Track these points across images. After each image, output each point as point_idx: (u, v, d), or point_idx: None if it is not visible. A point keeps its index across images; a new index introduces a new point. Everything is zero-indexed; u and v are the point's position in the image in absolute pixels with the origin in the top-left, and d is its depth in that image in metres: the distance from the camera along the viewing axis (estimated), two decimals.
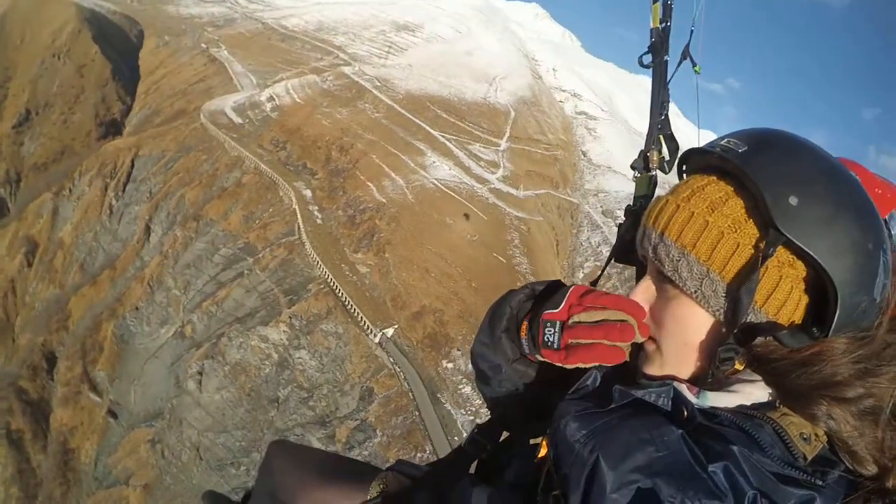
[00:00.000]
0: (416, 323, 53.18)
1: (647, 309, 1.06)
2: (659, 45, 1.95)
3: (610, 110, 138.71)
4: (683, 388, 0.97)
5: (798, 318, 0.94)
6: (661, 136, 1.93)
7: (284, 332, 53.77)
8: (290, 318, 54.18)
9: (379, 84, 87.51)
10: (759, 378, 0.96)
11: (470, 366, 1.36)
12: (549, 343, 1.11)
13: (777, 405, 0.92)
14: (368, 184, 66.98)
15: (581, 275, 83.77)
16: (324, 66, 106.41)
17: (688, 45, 2.04)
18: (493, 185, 71.73)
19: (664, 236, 1.01)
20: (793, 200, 0.88)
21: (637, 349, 1.11)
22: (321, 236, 61.04)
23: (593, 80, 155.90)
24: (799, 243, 0.88)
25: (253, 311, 56.60)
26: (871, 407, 0.86)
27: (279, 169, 71.47)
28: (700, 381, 0.99)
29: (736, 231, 0.94)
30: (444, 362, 51.49)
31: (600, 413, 0.98)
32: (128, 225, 74.10)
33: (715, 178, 1.02)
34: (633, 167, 1.92)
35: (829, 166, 0.95)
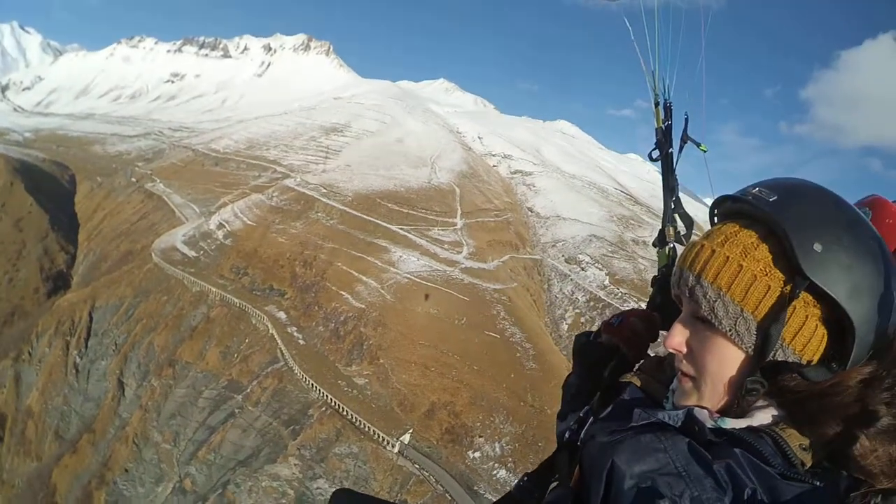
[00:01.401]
0: (430, 422, 52.22)
1: (683, 348, 1.21)
2: (663, 140, 2.37)
3: (541, 162, 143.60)
4: (702, 413, 1.12)
5: (819, 354, 1.09)
6: (675, 214, 2.24)
7: (296, 464, 51.67)
8: (298, 449, 52.25)
9: (325, 191, 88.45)
10: (771, 404, 1.10)
11: (499, 448, 1.65)
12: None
13: (780, 424, 1.06)
14: (342, 293, 66.61)
15: (565, 326, 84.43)
16: (264, 184, 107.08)
17: (685, 131, 2.38)
18: (463, 265, 72.58)
19: (701, 279, 1.16)
20: (817, 247, 1.03)
21: (663, 388, 1.36)
22: (308, 357, 59.81)
23: (516, 137, 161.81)
24: (823, 287, 1.03)
25: (256, 451, 54.25)
26: (885, 427, 0.97)
27: (246, 296, 70.35)
28: (727, 411, 1.14)
29: (767, 275, 1.09)
30: (469, 453, 50.57)
31: (620, 431, 1.15)
32: (98, 382, 70.70)
33: (746, 224, 1.17)
34: (654, 245, 2.23)
35: (850, 217, 1.11)
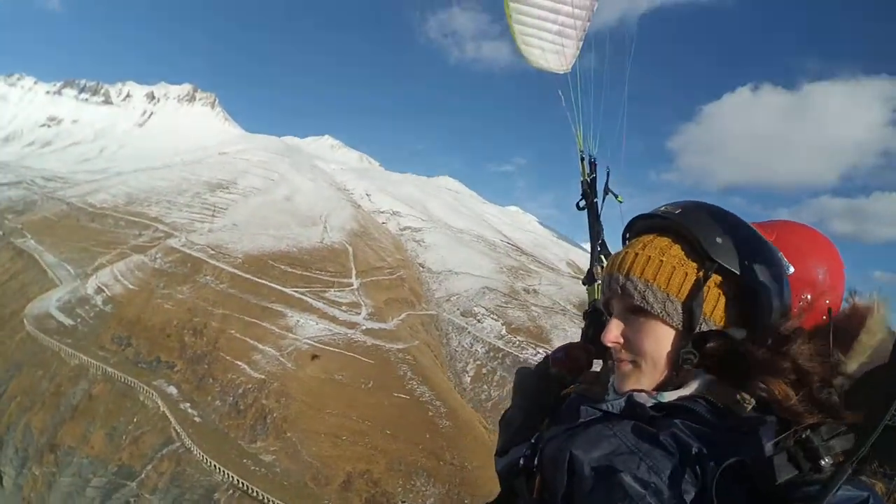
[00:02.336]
0: (349, 493, 49.45)
1: (620, 339, 1.39)
2: (588, 191, 2.83)
3: (429, 218, 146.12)
4: (640, 395, 1.31)
5: (735, 322, 1.31)
6: (601, 256, 2.59)
7: None
8: None
9: (213, 252, 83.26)
10: (701, 374, 1.28)
11: None
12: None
13: (711, 387, 1.26)
14: (238, 363, 62.30)
15: (467, 379, 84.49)
16: (145, 243, 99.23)
17: (606, 184, 2.81)
18: (364, 327, 70.75)
19: (630, 275, 1.37)
20: (719, 240, 1.31)
21: (607, 375, 1.52)
22: (207, 435, 54.82)
23: (403, 194, 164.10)
24: (729, 266, 1.29)
25: None
26: (797, 371, 1.17)
27: (131, 370, 63.82)
28: (668, 385, 1.32)
29: (683, 265, 1.33)
30: None
31: (571, 428, 1.34)
32: None
33: (658, 234, 1.42)
34: (583, 283, 2.52)
35: (737, 218, 1.40)
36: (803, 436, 1.06)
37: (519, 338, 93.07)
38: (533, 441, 1.47)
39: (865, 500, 0.98)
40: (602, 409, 1.35)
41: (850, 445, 1.02)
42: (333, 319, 71.32)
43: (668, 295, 1.33)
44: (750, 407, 1.19)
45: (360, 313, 75.01)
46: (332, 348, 64.96)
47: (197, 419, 57.24)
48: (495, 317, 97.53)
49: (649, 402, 1.29)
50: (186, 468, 51.82)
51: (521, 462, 1.46)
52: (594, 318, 1.99)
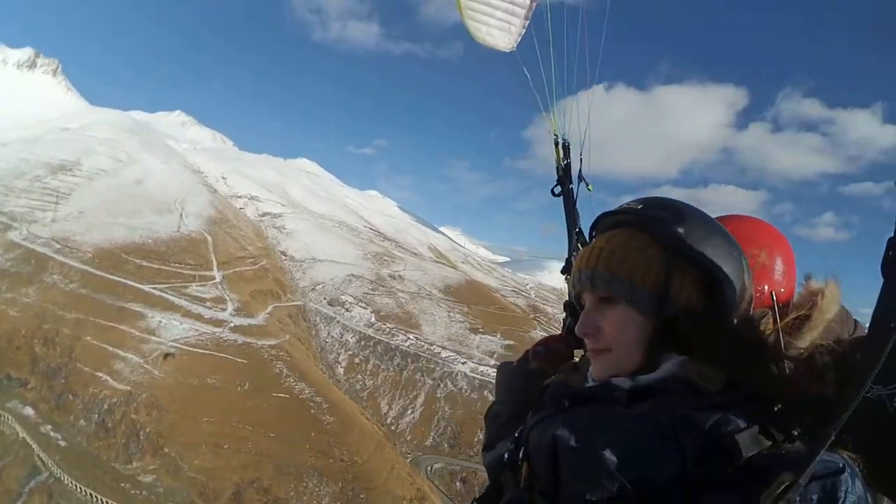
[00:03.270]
0: None
1: (592, 330, 1.44)
2: (563, 177, 2.86)
3: (289, 203, 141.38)
4: (618, 379, 1.37)
5: (699, 305, 1.37)
6: (579, 244, 2.66)
7: None
8: None
9: (59, 246, 73.96)
10: (675, 357, 1.33)
11: None
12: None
13: (683, 367, 1.30)
14: (98, 374, 56.89)
15: (340, 370, 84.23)
16: None
17: (580, 171, 2.84)
18: (232, 324, 67.44)
19: (597, 269, 1.42)
20: (680, 230, 1.37)
21: (586, 365, 1.60)
22: (76, 461, 49.99)
23: (261, 177, 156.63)
24: (690, 252, 1.35)
25: None
26: (756, 348, 1.28)
27: None
28: (643, 369, 1.36)
29: (646, 254, 1.39)
30: None
31: (553, 414, 1.40)
32: None
33: (622, 228, 1.49)
34: (562, 272, 2.54)
35: (697, 210, 1.49)
36: (775, 409, 1.15)
37: (389, 324, 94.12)
38: (517, 435, 1.53)
39: (841, 468, 1.03)
40: (581, 395, 1.41)
41: (823, 416, 1.05)
42: (199, 318, 67.13)
43: (633, 283, 1.37)
44: (721, 384, 1.22)
45: (225, 309, 71.28)
46: (200, 350, 61.37)
47: (62, 443, 51.85)
48: (363, 304, 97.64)
49: (626, 385, 1.33)
50: (60, 501, 47.05)
51: (506, 456, 1.53)
52: (574, 310, 2.01)
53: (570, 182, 2.80)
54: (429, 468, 69.00)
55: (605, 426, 1.22)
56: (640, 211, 1.46)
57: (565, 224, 2.74)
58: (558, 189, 2.80)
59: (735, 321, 1.35)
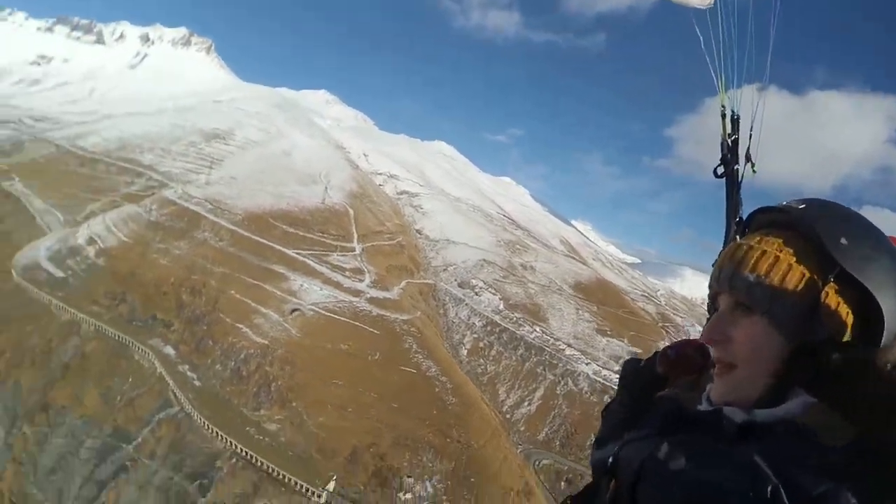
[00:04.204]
0: (355, 467, 48.50)
1: (720, 336, 1.27)
2: (728, 156, 2.33)
3: (426, 183, 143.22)
4: (731, 409, 1.20)
5: (849, 336, 1.16)
6: (737, 236, 1.94)
7: None
8: None
9: (212, 207, 79.75)
10: (803, 395, 1.13)
11: (430, 487, 1.62)
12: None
13: (811, 410, 1.10)
14: (239, 326, 60.02)
15: (464, 351, 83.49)
16: (138, 192, 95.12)
17: (748, 149, 2.32)
18: (368, 295, 68.63)
19: (740, 269, 1.26)
20: (844, 241, 1.16)
21: (706, 380, 1.41)
22: (208, 401, 52.88)
23: (400, 156, 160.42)
24: (852, 272, 1.14)
25: None
26: None
27: (125, 327, 61.29)
28: (763, 398, 1.19)
29: (801, 263, 1.20)
30: (400, 496, 47.88)
31: (651, 437, 1.25)
32: None
33: (779, 229, 1.30)
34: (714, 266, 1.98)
35: (866, 221, 1.26)
36: None
37: (516, 314, 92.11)
38: (623, 441, 1.39)
39: None
40: (686, 419, 1.28)
41: None
42: (338, 286, 69.07)
43: (777, 293, 1.21)
44: (847, 441, 1.01)
45: (363, 280, 72.87)
46: (337, 316, 62.93)
47: (197, 383, 55.17)
48: (493, 291, 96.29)
49: (738, 418, 1.18)
50: (187, 434, 50.04)
51: (610, 461, 1.40)
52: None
53: (736, 161, 2.32)
54: (537, 463, 66.74)
55: (696, 466, 1.09)
56: (802, 212, 1.28)
57: (725, 211, 2.26)
58: (721, 169, 2.33)
59: (889, 366, 1.08)
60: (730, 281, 1.28)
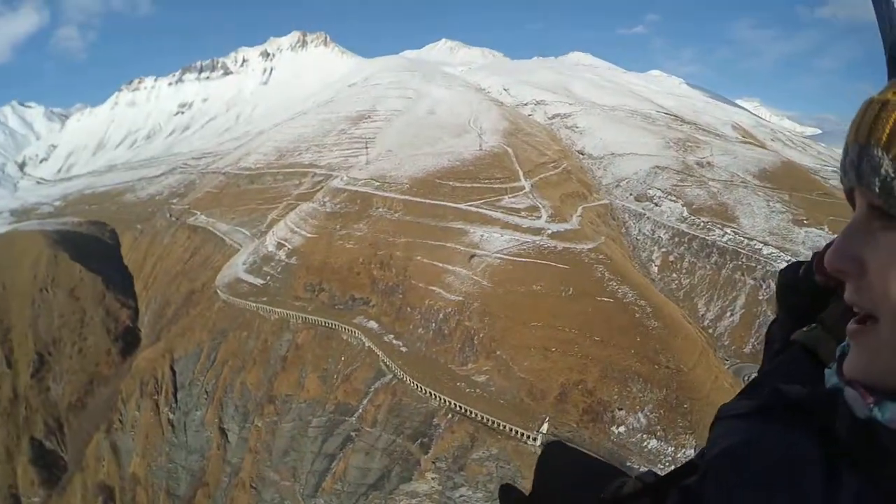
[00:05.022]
0: (565, 405, 49.11)
1: (850, 266, 0.85)
2: None
3: (575, 101, 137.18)
4: (855, 397, 0.81)
5: None
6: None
7: (433, 478, 49.21)
8: (433, 462, 49.61)
9: (378, 184, 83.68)
10: None
11: (643, 418, 1.47)
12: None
13: None
14: (432, 288, 62.81)
15: (654, 269, 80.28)
16: (308, 190, 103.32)
17: None
18: (549, 231, 68.01)
19: (869, 147, 0.79)
20: None
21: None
22: (416, 364, 56.56)
23: (541, 80, 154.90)
24: None
25: (385, 472, 51.61)
26: None
27: (329, 313, 67.30)
28: None
29: None
30: (614, 429, 47.74)
31: (744, 416, 0.93)
32: (197, 433, 69.07)
33: None
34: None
35: None
36: None
37: (703, 218, 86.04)
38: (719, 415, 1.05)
39: None
40: (796, 405, 0.88)
41: None
42: (517, 228, 69.29)
43: None
44: None
45: (540, 217, 72.28)
46: (524, 259, 63.32)
47: (403, 349, 59.07)
48: (673, 198, 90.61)
49: (860, 412, 0.79)
50: (402, 398, 54.02)
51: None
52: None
53: None
54: (746, 378, 62.71)
55: (767, 493, 0.77)
56: None
57: (881, 43, 1.42)
58: None
59: None
60: (857, 169, 0.80)
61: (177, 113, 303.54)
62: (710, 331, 70.20)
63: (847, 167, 0.84)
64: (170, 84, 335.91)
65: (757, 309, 72.10)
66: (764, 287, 74.37)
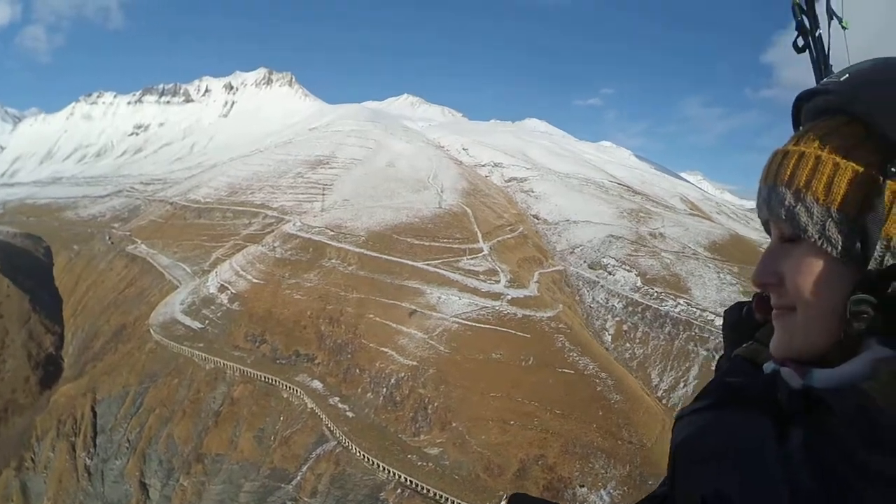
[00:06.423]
0: (524, 481, 46.48)
1: (772, 279, 1.02)
2: (803, 21, 1.74)
3: (532, 166, 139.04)
4: (789, 371, 0.98)
5: None
6: None
7: None
8: None
9: (333, 233, 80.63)
10: (874, 347, 0.85)
11: (606, 496, 1.58)
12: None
13: (879, 371, 0.80)
14: (384, 350, 59.77)
15: (608, 338, 79.32)
16: (257, 231, 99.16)
17: (829, 3, 1.71)
18: (509, 296, 66.31)
19: (776, 186, 0.98)
20: None
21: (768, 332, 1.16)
22: (363, 431, 52.93)
23: (499, 143, 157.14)
24: None
25: None
26: None
27: (270, 367, 62.96)
28: (832, 351, 0.92)
29: (851, 158, 0.89)
30: None
31: (700, 411, 1.08)
32: (115, 485, 62.17)
33: (823, 119, 1.00)
34: None
35: None
36: None
37: (656, 288, 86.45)
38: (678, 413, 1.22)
39: None
40: (736, 389, 1.06)
41: None
42: (476, 292, 67.29)
43: (828, 209, 0.90)
44: None
45: (499, 281, 70.70)
46: (483, 325, 61.13)
47: (349, 414, 55.41)
48: (627, 267, 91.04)
49: (795, 383, 0.95)
50: (346, 468, 50.25)
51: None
52: None
53: (817, 26, 1.67)
54: None
55: (725, 461, 0.90)
56: (845, 86, 0.95)
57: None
58: (801, 41, 1.68)
59: None
60: (768, 204, 1.00)
61: (131, 133, 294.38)
62: (665, 401, 69.19)
63: (761, 204, 1.03)
64: (129, 103, 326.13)
65: (710, 379, 71.66)
66: (716, 357, 74.01)
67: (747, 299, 1.45)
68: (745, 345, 1.29)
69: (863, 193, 0.85)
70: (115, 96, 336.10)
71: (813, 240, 0.91)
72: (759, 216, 1.09)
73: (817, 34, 1.69)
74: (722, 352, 1.50)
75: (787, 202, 0.94)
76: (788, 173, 0.95)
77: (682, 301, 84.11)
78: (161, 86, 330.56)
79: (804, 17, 1.70)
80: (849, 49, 1.70)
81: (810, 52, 1.71)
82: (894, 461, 0.67)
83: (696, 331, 77.65)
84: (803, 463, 0.75)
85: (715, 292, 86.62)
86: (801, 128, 1.04)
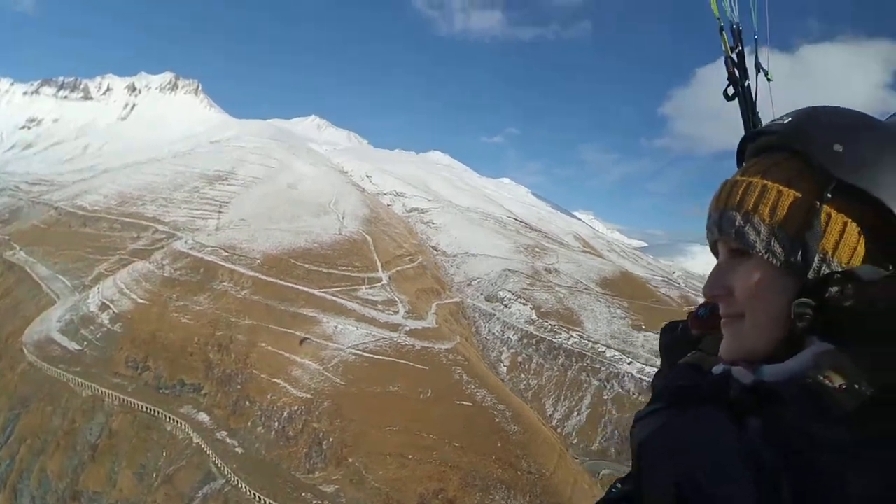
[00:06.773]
0: None
1: (721, 291, 1.15)
2: (735, 73, 1.98)
3: (434, 197, 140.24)
4: (739, 370, 1.09)
5: (867, 259, 1.00)
6: None
7: None
8: None
9: (227, 254, 75.94)
10: (816, 343, 0.97)
11: None
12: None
13: (826, 362, 0.90)
14: (276, 381, 56.70)
15: (503, 369, 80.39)
16: (145, 246, 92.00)
17: (756, 57, 2.01)
18: (407, 328, 65.24)
19: (726, 210, 1.12)
20: (838, 147, 0.99)
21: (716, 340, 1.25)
22: (254, 469, 49.53)
23: (403, 173, 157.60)
24: (853, 182, 0.97)
25: None
26: None
27: (153, 397, 57.88)
28: (778, 349, 1.04)
29: (792, 187, 1.05)
30: None
31: (658, 411, 1.16)
32: None
33: (766, 155, 1.16)
34: None
35: (862, 116, 1.08)
36: None
37: (550, 321, 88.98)
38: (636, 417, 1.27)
39: None
40: (694, 392, 1.13)
41: None
42: (374, 322, 65.67)
43: (773, 228, 1.05)
44: (865, 399, 0.82)
45: (397, 312, 69.52)
46: (381, 356, 59.56)
47: (239, 450, 51.80)
48: (523, 300, 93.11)
49: (747, 380, 1.05)
50: None
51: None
52: None
53: (746, 77, 1.93)
54: (597, 475, 63.99)
55: (689, 447, 0.98)
56: (788, 127, 1.12)
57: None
58: (731, 90, 1.94)
59: None
60: (719, 225, 1.14)
61: (23, 127, 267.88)
62: (559, 430, 70.61)
63: (711, 226, 1.17)
64: (25, 93, 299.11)
65: (602, 408, 74.30)
66: (608, 387, 77.19)
67: (682, 318, 1.56)
68: (689, 354, 1.37)
69: (802, 215, 1.00)
70: (11, 83, 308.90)
71: (760, 254, 1.04)
72: (707, 238, 1.22)
73: (746, 84, 1.93)
74: (658, 369, 1.61)
75: (737, 223, 1.08)
76: (738, 199, 1.09)
77: (574, 333, 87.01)
78: (61, 79, 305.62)
79: (735, 69, 1.94)
80: (772, 97, 1.95)
81: (739, 100, 1.93)
82: (840, 429, 0.78)
83: (588, 362, 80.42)
84: (763, 442, 0.85)
85: (606, 325, 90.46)
86: (744, 164, 1.21)
